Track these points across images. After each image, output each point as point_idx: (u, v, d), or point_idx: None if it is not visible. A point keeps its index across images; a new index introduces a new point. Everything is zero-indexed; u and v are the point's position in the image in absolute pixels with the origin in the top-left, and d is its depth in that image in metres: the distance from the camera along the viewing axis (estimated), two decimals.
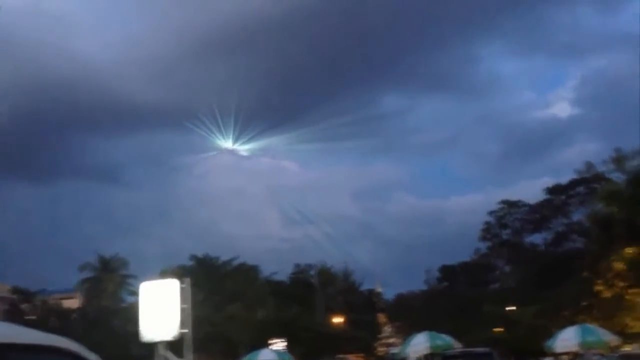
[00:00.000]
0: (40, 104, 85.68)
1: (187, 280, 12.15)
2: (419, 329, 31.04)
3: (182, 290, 11.65)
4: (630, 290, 33.92)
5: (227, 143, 78.21)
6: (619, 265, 33.93)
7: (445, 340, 28.23)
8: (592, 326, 28.60)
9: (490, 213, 66.92)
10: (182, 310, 11.53)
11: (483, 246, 68.59)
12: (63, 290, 51.87)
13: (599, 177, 53.57)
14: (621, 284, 34.07)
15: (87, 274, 49.51)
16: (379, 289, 78.63)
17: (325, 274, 68.52)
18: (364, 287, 74.50)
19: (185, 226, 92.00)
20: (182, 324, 11.43)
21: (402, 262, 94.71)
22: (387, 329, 77.20)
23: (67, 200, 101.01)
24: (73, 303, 50.24)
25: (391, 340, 69.73)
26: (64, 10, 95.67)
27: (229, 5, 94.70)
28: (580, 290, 39.12)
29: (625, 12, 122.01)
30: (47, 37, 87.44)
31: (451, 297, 65.43)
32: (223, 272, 51.97)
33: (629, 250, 33.53)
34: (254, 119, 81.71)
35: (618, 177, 47.51)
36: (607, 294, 35.03)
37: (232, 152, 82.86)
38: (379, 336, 71.66)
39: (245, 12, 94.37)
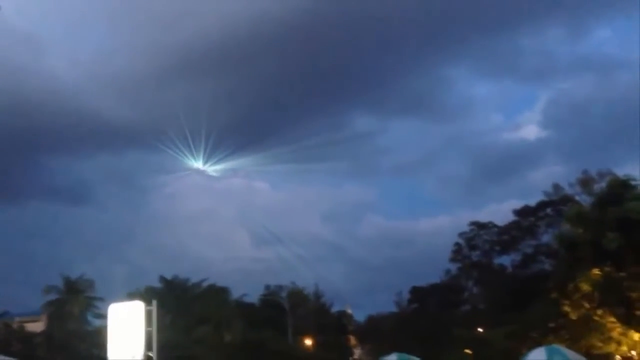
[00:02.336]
0: (4, 120, 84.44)
1: (154, 302, 12.06)
2: (389, 351, 31.06)
3: (148, 312, 11.55)
4: (597, 312, 34.33)
5: (197, 163, 77.61)
6: (585, 287, 34.30)
7: None
8: (560, 347, 28.96)
9: (461, 234, 67.45)
10: (148, 333, 11.42)
11: (453, 267, 69.02)
12: (27, 313, 50.87)
13: (567, 199, 54.47)
14: (588, 305, 34.48)
15: (52, 296, 48.66)
16: (350, 311, 78.54)
17: (296, 296, 68.24)
18: (335, 308, 74.42)
19: (154, 247, 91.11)
20: (148, 347, 11.31)
21: (373, 283, 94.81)
22: (358, 351, 76.96)
23: (32, 221, 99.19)
24: (37, 326, 49.23)
25: None
26: (31, 25, 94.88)
27: (201, 24, 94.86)
28: (548, 311, 39.46)
29: (592, 37, 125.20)
30: (12, 54, 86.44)
31: (421, 319, 65.54)
32: (192, 294, 51.52)
33: (596, 272, 33.95)
34: (225, 139, 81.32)
35: (585, 200, 48.50)
36: (575, 315, 35.40)
37: (202, 173, 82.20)
38: (350, 358, 71.36)
39: (216, 32, 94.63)
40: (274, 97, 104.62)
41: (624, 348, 33.09)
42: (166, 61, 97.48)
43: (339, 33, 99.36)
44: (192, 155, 76.00)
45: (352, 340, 76.82)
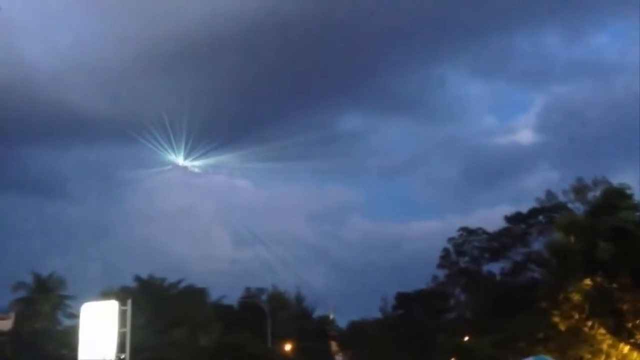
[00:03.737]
0: None
1: (129, 302, 12.02)
2: (372, 359, 31.13)
3: (122, 312, 11.50)
4: (587, 323, 34.60)
5: (177, 158, 77.34)
6: (576, 297, 34.56)
7: None
8: (548, 358, 29.15)
9: (449, 240, 67.64)
10: (122, 334, 11.37)
11: (441, 274, 69.19)
12: None
13: (560, 207, 54.80)
14: (578, 315, 34.73)
15: (21, 294, 48.30)
16: (332, 316, 78.55)
17: (277, 299, 68.19)
18: (317, 313, 74.35)
19: (130, 245, 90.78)
20: (120, 348, 11.27)
21: (357, 288, 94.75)
22: (339, 358, 77.00)
23: (1, 214, 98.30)
24: (4, 325, 48.82)
25: None
26: (5, 12, 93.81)
27: (184, 15, 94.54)
28: (537, 321, 39.73)
29: (590, 41, 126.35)
30: None
31: (406, 326, 65.73)
32: (168, 295, 51.43)
33: (587, 282, 34.23)
34: (208, 134, 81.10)
35: (578, 208, 48.86)
36: (564, 325, 35.66)
37: (182, 168, 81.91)
38: None
39: (200, 24, 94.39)
40: (259, 92, 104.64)
41: None
42: (148, 51, 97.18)
43: (328, 28, 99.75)
44: (173, 150, 75.78)
45: (334, 346, 76.87)
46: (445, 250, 67.87)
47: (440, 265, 68.34)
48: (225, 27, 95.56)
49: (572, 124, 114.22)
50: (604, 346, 33.40)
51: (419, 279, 72.50)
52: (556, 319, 36.18)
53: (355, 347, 72.54)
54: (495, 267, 65.69)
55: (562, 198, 54.87)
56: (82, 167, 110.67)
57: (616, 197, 35.09)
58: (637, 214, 35.39)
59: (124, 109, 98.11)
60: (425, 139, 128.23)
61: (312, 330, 69.03)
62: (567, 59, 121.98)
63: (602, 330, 33.42)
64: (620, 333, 32.89)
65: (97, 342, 11.54)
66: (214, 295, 57.76)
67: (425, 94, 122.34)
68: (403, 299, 74.27)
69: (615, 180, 38.84)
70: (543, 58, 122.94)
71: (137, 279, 51.78)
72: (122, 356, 11.46)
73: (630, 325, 32.81)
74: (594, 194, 42.07)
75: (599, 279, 33.84)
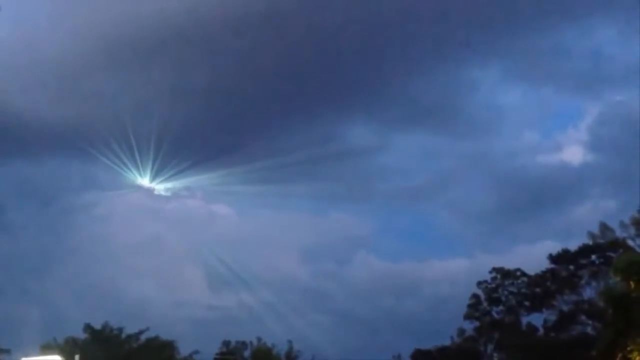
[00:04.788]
0: None
1: (77, 358, 11.94)
2: None
3: None
4: None
5: (142, 179, 77.41)
6: (638, 358, 34.53)
7: None
8: None
9: (479, 284, 67.61)
10: None
11: (469, 327, 69.05)
12: None
13: (617, 244, 54.85)
14: None
15: None
16: None
17: (263, 356, 67.91)
18: None
19: (79, 286, 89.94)
20: None
21: (364, 343, 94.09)
22: None
23: None
24: None
25: None
26: None
27: (152, 6, 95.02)
28: None
29: None
30: None
31: None
32: (127, 349, 51.26)
33: None
34: (180, 149, 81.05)
35: None
36: None
37: (148, 191, 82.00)
38: None
39: (174, 13, 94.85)
40: (246, 99, 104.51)
41: None
42: (107, 46, 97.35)
43: (334, 23, 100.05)
44: (136, 168, 75.86)
45: None
46: (475, 296, 67.84)
47: (469, 316, 68.27)
48: (206, 18, 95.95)
49: (633, 140, 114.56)
50: None
51: (442, 333, 72.36)
52: None
53: None
54: (537, 319, 65.68)
55: (620, 233, 55.05)
56: (20, 188, 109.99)
57: None
58: None
59: (76, 116, 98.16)
60: (450, 157, 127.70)
61: None
62: (626, 61, 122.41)
63: None
64: None
65: None
66: (184, 350, 57.52)
67: (452, 102, 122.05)
68: (422, 358, 73.98)
69: None
70: (597, 59, 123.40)
71: (88, 328, 51.58)
72: None
73: None
74: None
75: None
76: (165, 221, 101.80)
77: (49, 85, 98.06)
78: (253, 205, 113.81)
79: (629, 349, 35.43)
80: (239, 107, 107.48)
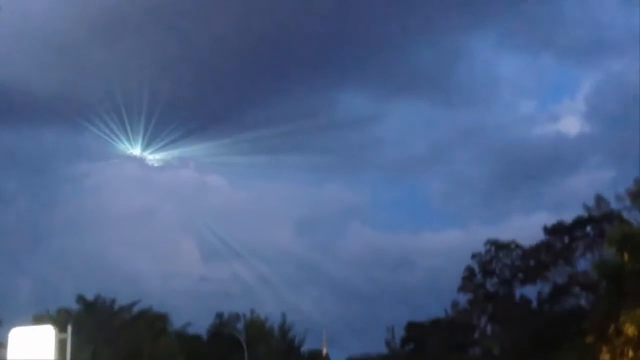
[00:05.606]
0: None
1: (69, 328, 12.03)
2: None
3: (61, 342, 11.53)
4: None
5: (133, 149, 77.41)
6: (630, 329, 34.79)
7: None
8: None
9: (474, 256, 67.86)
10: None
11: (462, 299, 69.47)
12: None
13: (612, 216, 55.06)
14: (632, 353, 34.97)
15: None
16: (326, 350, 78.79)
17: (256, 328, 68.32)
18: (306, 346, 74.55)
19: (71, 257, 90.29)
20: None
21: (357, 315, 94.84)
22: None
23: None
24: None
25: None
26: None
27: None
28: (581, 359, 39.99)
29: None
30: None
31: None
32: (120, 321, 51.48)
33: None
34: (172, 119, 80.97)
35: (636, 217, 49.09)
36: None
37: (139, 161, 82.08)
38: None
39: None
40: (238, 67, 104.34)
41: None
42: (97, 13, 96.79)
43: None
44: (127, 138, 75.82)
45: None
46: (469, 269, 68.13)
47: (462, 289, 68.61)
48: None
49: (630, 111, 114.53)
50: None
51: (435, 306, 72.87)
52: (606, 357, 36.40)
53: None
54: (531, 291, 66.01)
55: (615, 205, 55.23)
56: (10, 158, 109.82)
57: None
58: None
59: (66, 85, 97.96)
60: (445, 128, 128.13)
61: None
62: (625, 28, 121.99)
63: None
64: None
65: None
66: (176, 322, 57.95)
67: (447, 71, 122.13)
68: (415, 330, 74.48)
69: None
70: (596, 28, 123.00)
71: (80, 299, 51.82)
72: None
73: None
74: None
75: None
76: (157, 192, 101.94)
77: (39, 54, 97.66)
78: (246, 176, 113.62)
79: (622, 320, 35.70)
80: (232, 77, 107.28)
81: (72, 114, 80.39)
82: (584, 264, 60.11)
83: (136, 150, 77.39)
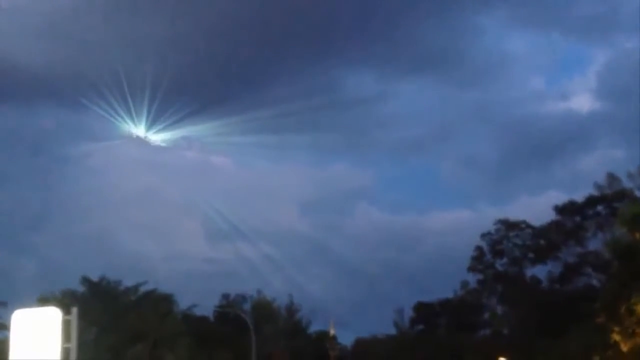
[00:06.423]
0: None
1: (74, 310, 12.07)
2: None
3: (67, 323, 11.57)
4: None
5: (137, 129, 77.35)
6: None
7: None
8: None
9: (483, 236, 67.91)
10: (65, 350, 11.46)
11: (472, 279, 69.55)
12: None
13: (624, 194, 54.96)
14: None
15: None
16: (333, 331, 79.03)
17: (263, 309, 68.56)
18: (314, 327, 74.88)
19: (75, 238, 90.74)
20: None
21: (365, 296, 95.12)
22: None
23: None
24: None
25: None
26: None
27: None
28: (592, 340, 40.06)
29: None
30: None
31: (428, 345, 66.18)
32: (125, 302, 51.64)
33: None
34: (176, 99, 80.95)
35: None
36: (626, 346, 35.96)
37: (143, 142, 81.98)
38: None
39: None
40: (244, 46, 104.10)
41: None
42: None
43: None
44: (131, 118, 75.77)
45: None
46: (478, 249, 68.19)
47: (472, 269, 68.71)
48: None
49: None
50: None
51: (444, 286, 72.95)
52: (617, 337, 36.46)
53: None
54: (541, 271, 66.14)
55: (627, 183, 55.12)
56: (11, 137, 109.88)
57: None
58: None
59: (67, 63, 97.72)
60: (454, 106, 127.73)
61: (307, 349, 69.50)
62: (636, 4, 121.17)
63: None
64: None
65: (34, 359, 11.61)
66: (182, 303, 58.07)
67: (456, 48, 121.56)
68: (424, 311, 74.70)
69: None
70: (607, 4, 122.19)
71: (85, 281, 51.89)
72: None
73: None
74: None
75: None
76: (161, 172, 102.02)
77: (41, 33, 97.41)
78: (251, 156, 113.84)
79: (633, 300, 35.74)
80: (237, 56, 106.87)
81: (75, 94, 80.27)
82: (595, 243, 60.11)
83: (140, 131, 77.38)
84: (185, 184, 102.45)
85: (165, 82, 77.51)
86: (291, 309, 71.62)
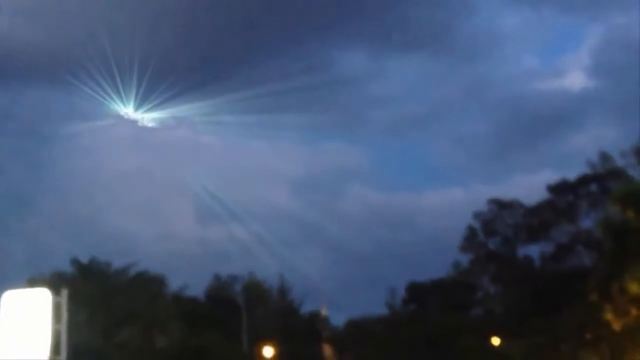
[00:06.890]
0: None
1: (65, 292, 12.12)
2: None
3: (57, 305, 11.61)
4: None
5: (125, 108, 77.08)
6: (634, 288, 35.05)
7: None
8: None
9: (476, 216, 68.09)
10: (56, 332, 11.50)
11: (464, 259, 69.78)
12: None
13: (617, 173, 55.12)
14: (636, 312, 35.27)
15: None
16: (325, 312, 79.31)
17: (255, 290, 68.67)
18: (305, 308, 74.93)
19: (64, 219, 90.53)
20: (55, 351, 11.42)
21: (357, 276, 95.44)
22: None
23: None
24: None
25: None
26: None
27: None
28: (584, 319, 40.37)
29: None
30: None
31: (420, 325, 66.47)
32: (115, 284, 51.72)
33: None
34: (165, 77, 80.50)
35: None
36: (618, 324, 36.22)
37: (132, 121, 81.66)
38: None
39: None
40: (233, 25, 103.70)
41: None
42: None
43: None
44: (120, 97, 75.50)
45: (327, 349, 77.75)
46: (471, 228, 68.38)
47: (464, 248, 68.92)
48: None
49: (636, 65, 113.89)
50: None
51: (437, 266, 73.14)
52: (609, 316, 36.75)
53: (354, 351, 73.41)
54: (533, 251, 66.37)
55: (620, 162, 55.24)
56: None
57: None
58: None
59: (53, 40, 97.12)
60: (446, 85, 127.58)
61: (298, 330, 69.70)
62: None
63: None
64: None
65: (23, 340, 11.65)
66: (173, 285, 58.15)
67: (448, 25, 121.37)
68: (416, 291, 74.95)
69: None
70: None
71: (75, 262, 51.97)
72: (58, 358, 11.58)
73: None
74: None
75: None
76: (151, 152, 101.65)
77: (27, 11, 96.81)
78: (242, 135, 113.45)
79: (626, 279, 35.94)
80: (227, 35, 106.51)
81: (62, 72, 79.79)
82: (588, 222, 60.34)
83: (129, 110, 77.13)
84: (175, 164, 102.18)
85: (153, 61, 77.14)
86: (283, 290, 71.77)
